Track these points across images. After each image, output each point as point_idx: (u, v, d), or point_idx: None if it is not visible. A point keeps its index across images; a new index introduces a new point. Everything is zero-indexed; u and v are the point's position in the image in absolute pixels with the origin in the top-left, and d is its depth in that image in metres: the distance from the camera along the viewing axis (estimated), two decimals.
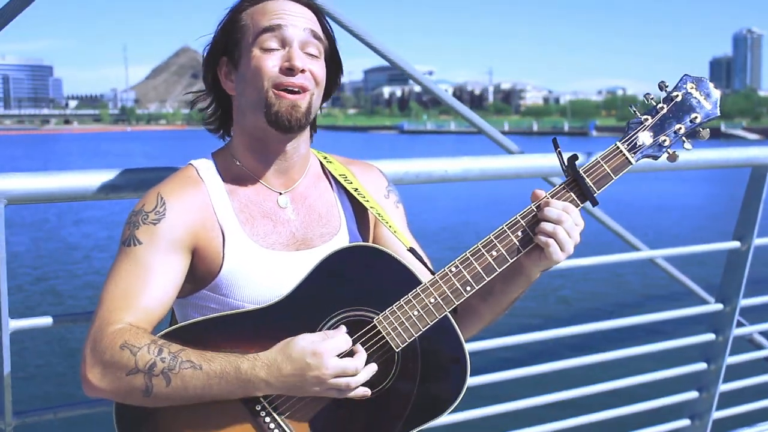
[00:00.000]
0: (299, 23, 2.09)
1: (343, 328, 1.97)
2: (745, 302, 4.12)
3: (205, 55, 2.20)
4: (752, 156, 3.87)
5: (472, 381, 3.32)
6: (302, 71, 2.06)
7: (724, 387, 4.24)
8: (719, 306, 4.13)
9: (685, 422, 4.28)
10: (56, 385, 11.76)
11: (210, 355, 1.92)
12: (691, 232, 26.02)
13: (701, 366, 4.21)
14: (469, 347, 3.12)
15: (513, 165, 3.20)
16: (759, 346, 4.83)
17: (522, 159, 3.24)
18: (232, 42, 2.13)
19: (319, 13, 2.18)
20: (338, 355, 1.92)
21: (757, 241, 4.01)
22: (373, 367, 1.98)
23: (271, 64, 2.06)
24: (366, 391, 1.97)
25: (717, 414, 4.28)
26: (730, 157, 3.83)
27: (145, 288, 2.00)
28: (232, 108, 2.20)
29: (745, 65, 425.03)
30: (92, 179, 2.48)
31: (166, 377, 1.89)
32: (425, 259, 2.23)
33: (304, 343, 1.91)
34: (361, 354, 1.96)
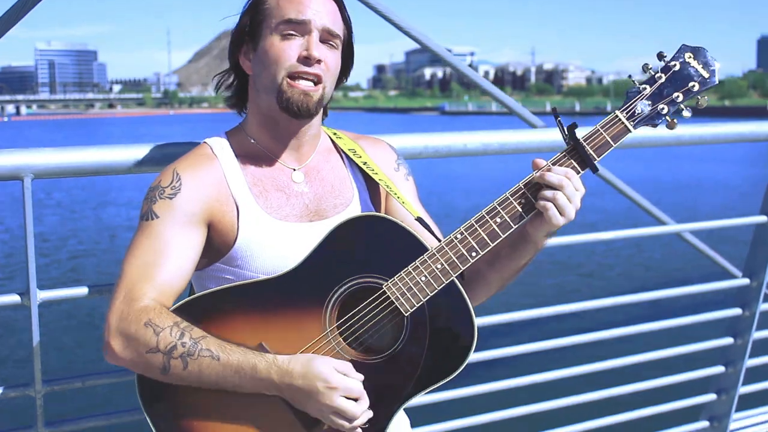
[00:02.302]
0: (322, 16, 2.16)
1: (360, 378, 2.03)
2: None
3: (232, 34, 2.28)
4: None
5: (486, 355, 3.37)
6: (318, 61, 2.15)
7: (750, 362, 4.24)
8: (746, 280, 4.12)
9: (712, 397, 4.29)
10: (83, 354, 12.03)
11: (229, 348, 2.00)
12: (722, 210, 25.68)
13: (728, 341, 4.21)
14: (488, 320, 3.18)
15: (533, 138, 3.21)
16: None
17: (542, 133, 3.26)
18: (255, 23, 2.21)
19: (341, 3, 2.27)
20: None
21: None
22: (369, 414, 2.04)
23: (289, 52, 2.14)
24: None
25: (743, 389, 4.28)
26: (760, 130, 3.82)
27: (165, 260, 2.08)
28: (249, 85, 2.28)
29: None
30: (116, 154, 2.57)
31: (183, 361, 1.98)
32: (434, 229, 2.29)
33: (325, 369, 1.98)
34: (364, 401, 2.03)
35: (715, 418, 4.33)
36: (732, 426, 4.34)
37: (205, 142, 2.29)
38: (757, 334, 4.21)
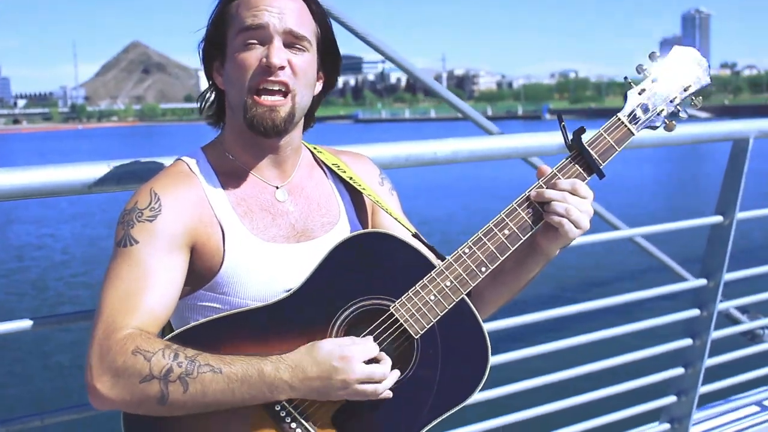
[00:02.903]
0: (282, 18, 1.98)
1: (370, 338, 1.92)
2: (728, 276, 4.11)
3: (200, 47, 2.11)
4: (733, 130, 3.88)
5: None
6: (281, 68, 1.96)
7: (709, 361, 4.24)
8: (703, 281, 4.11)
9: (672, 399, 4.27)
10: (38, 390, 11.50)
11: (229, 358, 1.83)
12: (658, 210, 26.18)
13: (686, 342, 4.20)
14: None
15: (502, 145, 3.14)
16: (736, 321, 4.84)
17: (510, 139, 3.20)
18: (220, 34, 2.04)
19: (311, 1, 2.07)
20: (366, 361, 1.87)
21: (740, 215, 4.00)
22: (397, 373, 1.93)
23: (250, 63, 1.97)
24: (389, 395, 1.92)
25: (703, 389, 4.28)
26: (712, 131, 3.84)
27: (147, 289, 1.89)
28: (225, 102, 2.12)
29: (694, 45, 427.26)
30: (73, 173, 2.37)
31: (183, 383, 1.79)
32: (429, 243, 2.17)
33: (332, 346, 1.85)
34: (387, 361, 1.91)
35: (675, 419, 4.32)
36: (693, 427, 4.33)
37: (180, 160, 2.11)
38: (715, 334, 4.21)
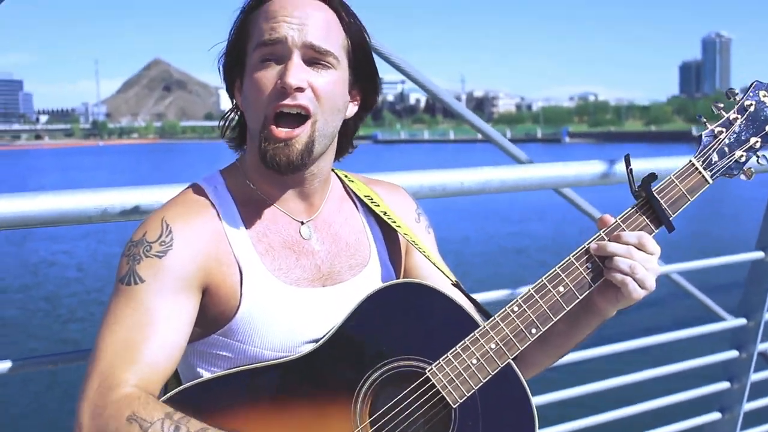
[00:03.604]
0: (303, 30, 1.72)
1: None
2: None
3: (220, 62, 1.87)
4: None
5: None
6: (299, 89, 1.71)
7: (748, 406, 3.99)
8: (742, 321, 3.88)
9: None
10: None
11: None
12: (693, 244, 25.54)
13: (724, 385, 3.96)
14: None
15: (534, 175, 2.92)
16: None
17: (542, 168, 2.97)
18: (241, 48, 1.80)
19: (341, 10, 1.81)
20: None
21: None
22: None
23: (265, 84, 1.72)
24: None
25: None
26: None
27: (151, 337, 1.65)
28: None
29: (715, 69, 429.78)
30: (74, 200, 2.16)
31: None
32: (471, 296, 1.94)
33: None
34: None
35: None
36: None
37: (197, 184, 1.85)
38: (754, 377, 3.97)
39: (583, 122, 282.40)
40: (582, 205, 3.65)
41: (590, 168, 3.04)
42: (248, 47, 1.77)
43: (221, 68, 1.87)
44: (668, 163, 2.90)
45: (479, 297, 3.12)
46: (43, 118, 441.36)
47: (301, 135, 1.73)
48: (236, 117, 1.91)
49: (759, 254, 3.79)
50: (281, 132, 1.71)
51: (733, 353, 3.93)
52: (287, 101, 1.70)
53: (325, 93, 1.74)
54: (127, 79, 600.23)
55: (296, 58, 1.72)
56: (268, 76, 1.72)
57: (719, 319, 4.24)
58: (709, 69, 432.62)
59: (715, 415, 3.99)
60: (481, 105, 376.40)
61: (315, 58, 1.74)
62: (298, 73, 1.70)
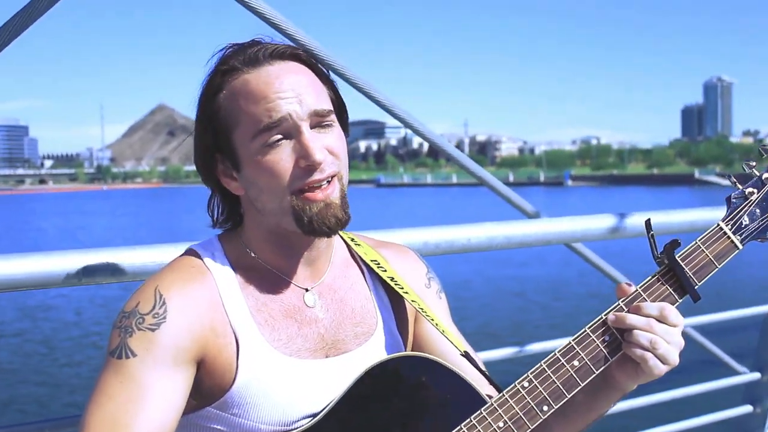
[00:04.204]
0: (302, 99, 1.67)
1: None
2: None
3: (195, 153, 1.80)
4: None
5: None
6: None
7: None
8: (756, 375, 3.79)
9: None
10: None
11: None
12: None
13: None
14: None
15: (541, 230, 2.85)
16: None
17: (550, 223, 2.90)
18: (221, 137, 1.72)
19: (311, 62, 1.76)
20: None
21: None
22: None
23: (284, 166, 1.65)
24: None
25: None
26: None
27: (141, 414, 1.56)
28: (240, 203, 1.81)
29: (716, 112, 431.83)
30: (61, 262, 2.08)
31: None
32: (481, 365, 1.83)
33: None
34: None
35: None
36: None
37: (193, 250, 1.78)
38: None
39: (585, 165, 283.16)
40: (592, 259, 3.56)
41: (599, 222, 2.97)
42: (235, 135, 1.69)
43: (197, 157, 1.79)
44: (684, 216, 2.83)
45: (486, 355, 3.04)
46: (48, 163, 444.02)
47: (334, 191, 1.68)
48: (220, 202, 1.83)
49: None
50: (318, 196, 1.66)
51: (747, 408, 3.83)
52: (317, 176, 1.66)
53: (339, 150, 1.71)
54: (132, 124, 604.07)
55: (306, 131, 1.66)
56: (283, 155, 1.66)
57: (733, 372, 4.13)
58: (711, 112, 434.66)
59: None
60: (484, 149, 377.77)
61: (320, 122, 1.69)
62: (316, 145, 1.65)
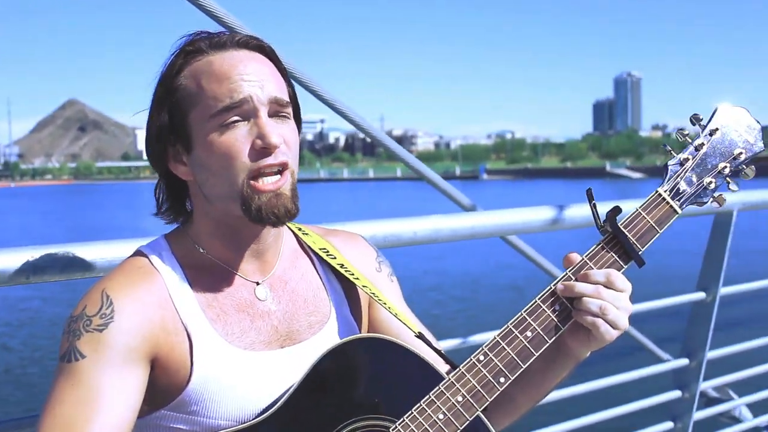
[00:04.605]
0: (264, 85, 1.68)
1: None
2: (711, 354, 3.92)
3: (147, 135, 1.76)
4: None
5: None
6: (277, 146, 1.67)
7: None
8: (684, 361, 3.91)
9: None
10: None
11: None
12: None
13: (667, 425, 3.99)
14: None
15: (486, 222, 2.89)
16: (717, 399, 4.62)
17: (493, 216, 2.95)
18: (176, 118, 1.70)
19: (274, 56, 1.78)
20: None
21: (723, 290, 3.82)
22: None
23: (238, 146, 1.64)
24: None
25: None
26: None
27: (95, 415, 1.55)
28: (188, 192, 1.79)
29: (626, 107, 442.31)
30: (7, 260, 2.04)
31: None
32: (436, 344, 1.86)
33: None
34: None
35: None
36: None
37: (139, 251, 1.76)
38: (698, 415, 4.00)
39: (500, 159, 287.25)
40: (527, 251, 3.64)
41: (541, 214, 3.02)
42: (191, 114, 1.68)
43: (148, 137, 1.75)
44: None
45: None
46: None
47: (285, 183, 1.68)
48: (165, 190, 1.81)
49: (700, 295, 3.84)
50: (268, 185, 1.66)
51: (676, 393, 3.96)
52: (269, 160, 1.65)
53: (292, 143, 1.71)
54: (41, 120, 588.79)
55: (264, 116, 1.66)
56: (238, 136, 1.65)
57: (659, 360, 4.26)
58: (621, 107, 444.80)
59: None
60: (401, 143, 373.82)
61: (278, 111, 1.69)
62: (274, 130, 1.65)
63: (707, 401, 4.65)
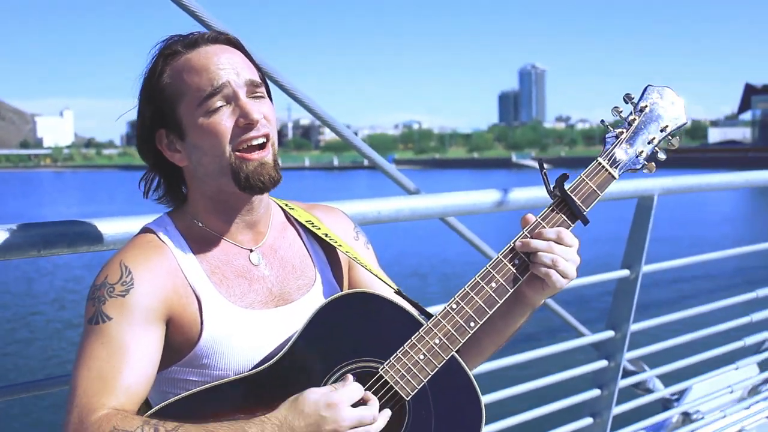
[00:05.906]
0: (238, 71, 1.94)
1: (350, 377, 1.85)
2: (634, 327, 4.25)
3: (137, 133, 2.02)
4: (639, 188, 4.05)
5: None
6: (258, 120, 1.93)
7: (616, 410, 4.35)
8: (610, 333, 4.23)
9: None
10: None
11: (212, 426, 1.74)
12: None
13: (594, 393, 4.30)
14: None
15: (441, 204, 3.18)
16: (633, 372, 4.99)
17: (446, 198, 3.23)
18: (167, 111, 1.95)
19: (241, 46, 2.04)
20: (352, 405, 1.80)
21: (645, 268, 4.15)
22: (388, 413, 1.88)
23: (224, 126, 1.90)
24: None
25: None
26: (620, 189, 3.97)
27: (123, 367, 1.80)
28: (184, 177, 2.04)
29: (531, 98, 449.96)
30: (18, 234, 2.23)
31: None
32: (412, 299, 2.12)
33: (316, 396, 1.77)
34: (374, 401, 1.85)
35: None
36: None
37: (147, 228, 2.01)
38: (622, 383, 4.34)
39: (408, 149, 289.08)
40: (466, 234, 3.92)
41: (488, 196, 3.31)
42: (180, 106, 1.93)
43: (139, 133, 2.01)
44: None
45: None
46: None
47: (268, 154, 1.94)
48: (161, 180, 2.06)
49: (624, 272, 4.16)
50: (253, 156, 1.91)
51: (602, 363, 4.28)
52: (253, 133, 1.91)
53: (271, 117, 1.97)
54: None
55: (243, 96, 1.91)
56: (224, 118, 1.90)
57: (581, 335, 4.60)
58: (526, 98, 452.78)
59: (587, 421, 4.33)
60: (308, 133, 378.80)
61: (254, 91, 1.95)
62: (254, 108, 1.91)
63: (623, 374, 5.02)
